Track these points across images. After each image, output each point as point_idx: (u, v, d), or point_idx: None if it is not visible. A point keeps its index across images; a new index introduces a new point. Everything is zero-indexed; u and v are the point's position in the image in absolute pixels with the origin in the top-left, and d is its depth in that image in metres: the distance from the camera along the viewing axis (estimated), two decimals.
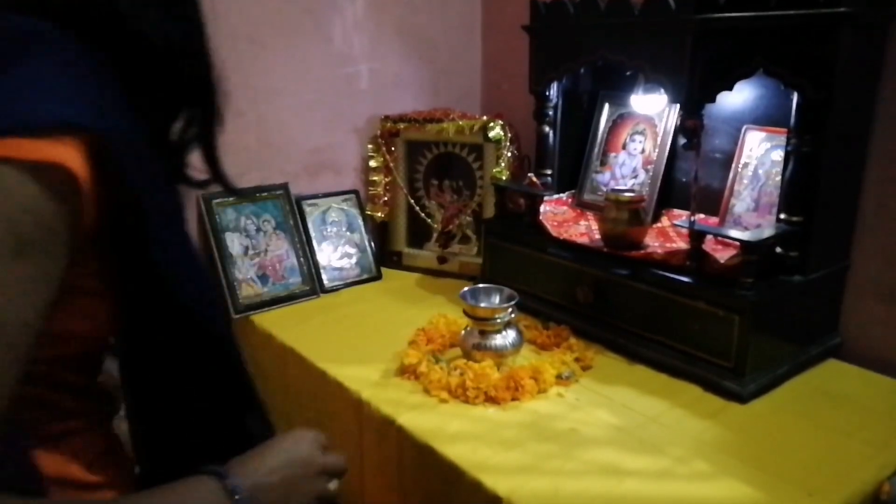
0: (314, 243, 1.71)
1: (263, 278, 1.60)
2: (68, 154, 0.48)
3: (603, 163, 1.62)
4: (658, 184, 1.50)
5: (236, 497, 0.57)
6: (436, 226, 1.80)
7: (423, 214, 1.81)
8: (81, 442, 0.62)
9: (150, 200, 0.56)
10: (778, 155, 1.32)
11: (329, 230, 1.75)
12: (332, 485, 0.69)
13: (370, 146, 1.82)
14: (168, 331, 0.62)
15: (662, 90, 1.22)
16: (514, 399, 1.15)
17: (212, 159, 0.66)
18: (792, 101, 1.18)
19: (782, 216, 1.22)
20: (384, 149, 1.80)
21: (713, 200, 1.42)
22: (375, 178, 1.82)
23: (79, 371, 0.62)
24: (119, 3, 0.55)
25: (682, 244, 1.36)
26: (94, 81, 0.52)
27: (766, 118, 1.37)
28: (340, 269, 1.73)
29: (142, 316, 0.60)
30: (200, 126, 0.64)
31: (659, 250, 1.33)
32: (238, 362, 0.69)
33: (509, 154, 1.68)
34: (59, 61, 0.51)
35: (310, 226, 1.72)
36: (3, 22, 0.51)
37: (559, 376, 1.21)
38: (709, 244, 1.27)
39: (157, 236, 0.57)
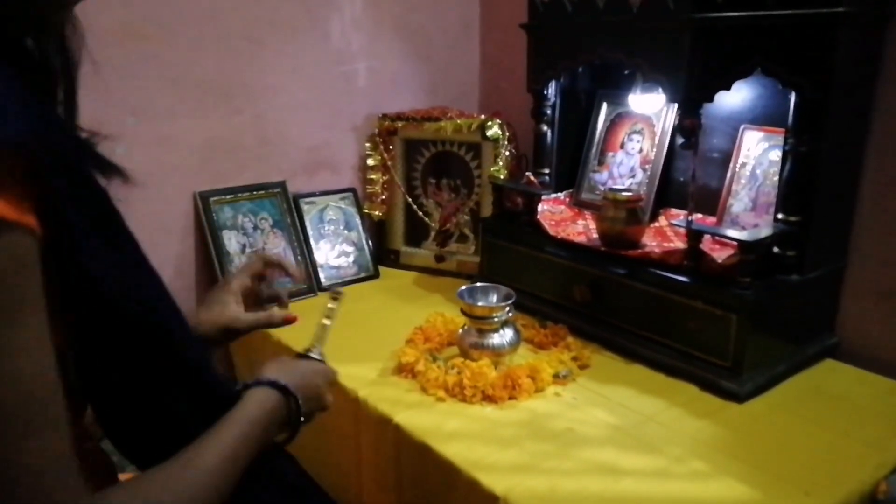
0: (312, 241, 1.71)
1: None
2: (18, 191, 0.46)
3: (601, 162, 1.62)
4: (656, 183, 1.50)
5: (290, 394, 0.72)
6: (433, 224, 1.80)
7: (420, 213, 1.80)
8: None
9: (75, 210, 0.52)
10: (775, 155, 1.32)
11: (326, 228, 1.75)
12: (330, 397, 0.83)
13: (368, 144, 1.81)
14: (121, 346, 0.58)
15: (660, 89, 1.22)
16: (511, 398, 1.15)
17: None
18: (790, 100, 1.18)
19: (780, 216, 1.22)
20: (382, 147, 1.79)
21: (711, 200, 1.42)
22: (373, 176, 1.82)
23: None
24: None
25: (679, 243, 1.36)
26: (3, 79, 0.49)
27: (763, 118, 1.37)
28: (338, 267, 1.73)
29: (93, 334, 0.57)
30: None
31: (656, 249, 1.33)
32: (200, 366, 0.66)
33: (507, 153, 1.68)
34: None
35: (307, 224, 1.71)
36: None
37: (556, 375, 1.21)
38: (706, 244, 1.27)
39: (85, 244, 0.53)
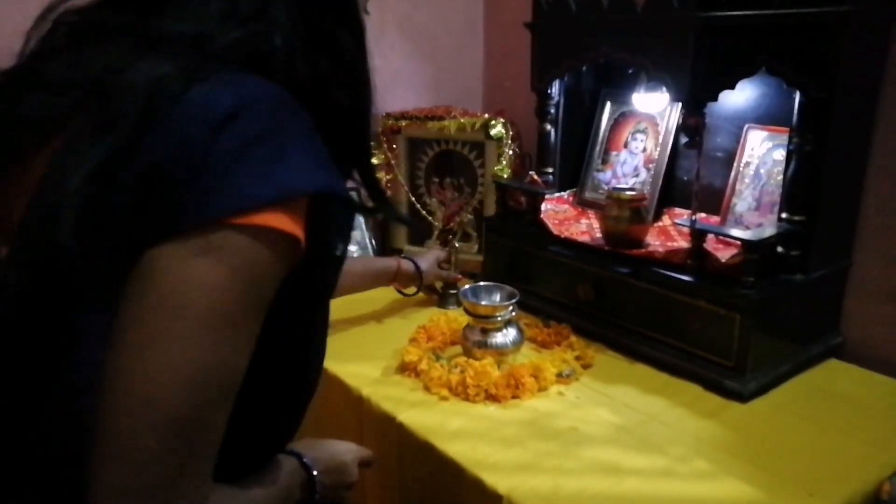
0: None
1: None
2: (300, 221, 0.53)
3: (604, 161, 1.61)
4: (659, 182, 1.49)
5: (313, 475, 0.73)
6: (437, 223, 1.80)
7: (424, 212, 1.80)
8: None
9: (332, 264, 0.61)
10: (780, 154, 1.31)
11: None
12: (356, 473, 0.84)
13: (371, 143, 1.81)
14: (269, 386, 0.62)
15: (664, 88, 1.21)
16: (514, 397, 1.15)
17: (374, 187, 0.75)
18: (794, 99, 1.17)
19: (784, 215, 1.22)
20: (385, 146, 1.80)
21: (715, 199, 1.42)
22: (376, 175, 1.81)
23: None
24: (320, 70, 0.61)
25: (683, 243, 1.35)
26: (321, 142, 0.56)
27: (767, 117, 1.36)
28: None
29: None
30: (360, 162, 0.73)
31: (660, 249, 1.33)
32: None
33: (511, 152, 1.68)
34: (304, 124, 0.55)
35: None
36: (253, 87, 0.53)
37: (560, 374, 1.21)
38: (710, 243, 1.27)
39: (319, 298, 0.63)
